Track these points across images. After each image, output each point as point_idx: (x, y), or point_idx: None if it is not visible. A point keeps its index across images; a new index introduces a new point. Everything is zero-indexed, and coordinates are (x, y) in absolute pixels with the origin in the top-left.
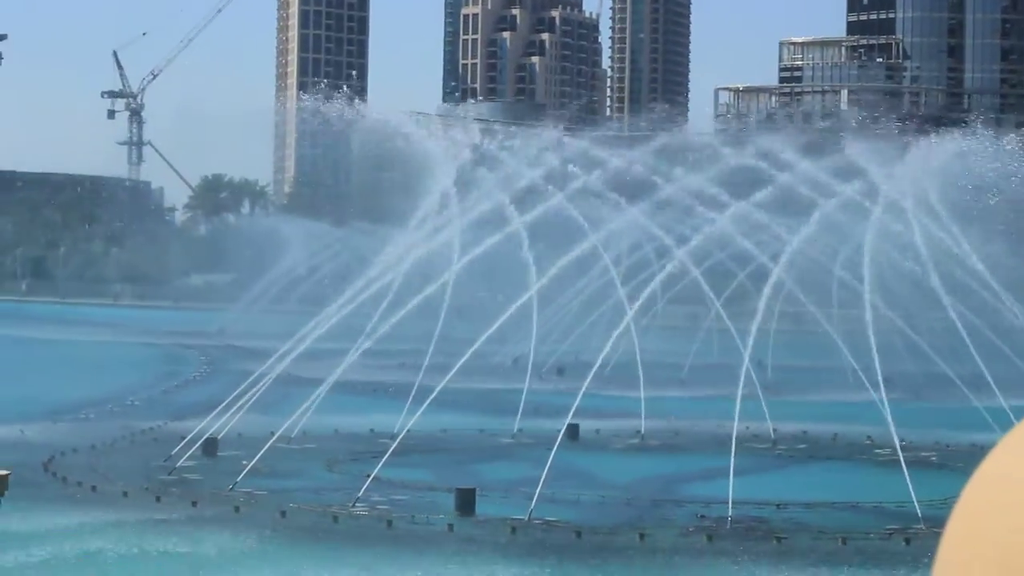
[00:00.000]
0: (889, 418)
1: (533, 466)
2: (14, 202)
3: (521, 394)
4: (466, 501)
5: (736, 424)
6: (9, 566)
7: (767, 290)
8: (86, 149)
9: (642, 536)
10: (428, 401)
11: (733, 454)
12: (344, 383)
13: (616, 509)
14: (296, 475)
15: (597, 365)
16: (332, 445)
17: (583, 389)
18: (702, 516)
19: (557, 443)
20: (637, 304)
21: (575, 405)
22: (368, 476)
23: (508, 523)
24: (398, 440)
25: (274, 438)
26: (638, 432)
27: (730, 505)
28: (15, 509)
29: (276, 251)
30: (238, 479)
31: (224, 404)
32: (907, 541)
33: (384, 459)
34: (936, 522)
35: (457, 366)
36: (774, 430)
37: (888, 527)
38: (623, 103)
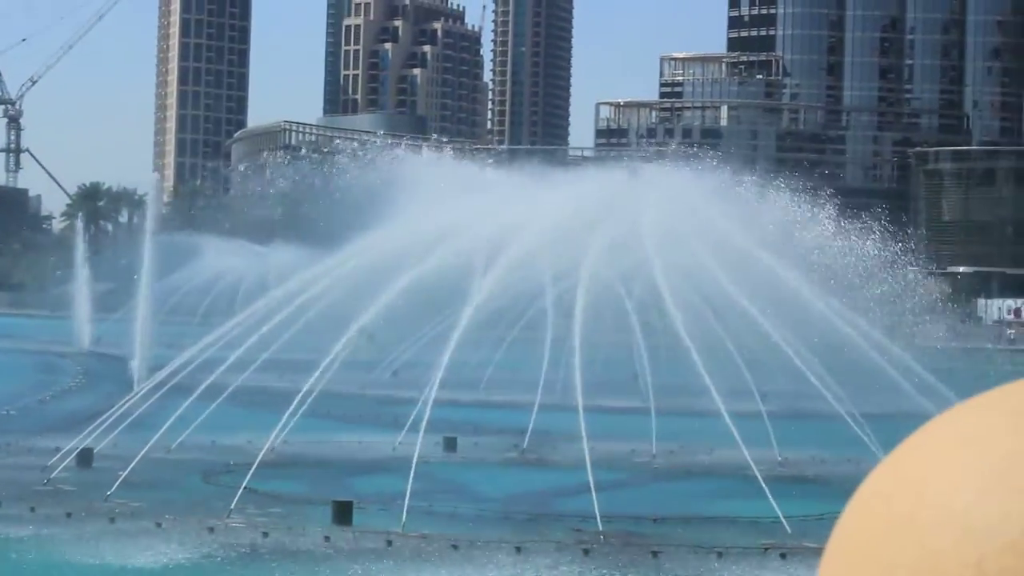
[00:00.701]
0: (769, 434)
1: (412, 479)
2: None
3: (402, 406)
4: (343, 513)
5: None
6: None
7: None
8: None
9: (519, 550)
10: (290, 412)
11: (589, 469)
12: (228, 394)
13: (493, 523)
14: (172, 487)
15: (438, 377)
16: (209, 457)
17: (425, 399)
18: (578, 530)
19: (415, 456)
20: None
21: (422, 416)
22: (242, 487)
23: (384, 535)
24: (263, 452)
25: (146, 447)
26: (516, 446)
27: (598, 521)
28: None
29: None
30: (111, 490)
31: (101, 416)
32: (783, 556)
33: (253, 471)
34: (809, 537)
35: (316, 374)
36: (655, 445)
37: (763, 542)
38: (504, 116)
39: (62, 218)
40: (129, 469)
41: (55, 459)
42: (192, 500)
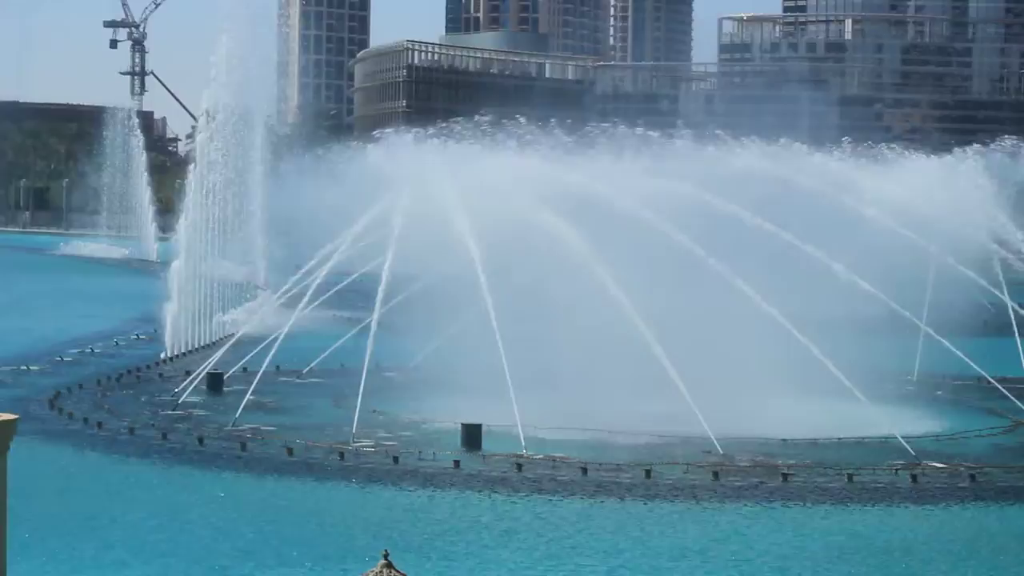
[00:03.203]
0: None
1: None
2: (17, 132)
3: None
4: (472, 436)
5: None
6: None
7: None
8: (89, 80)
9: (648, 473)
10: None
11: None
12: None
13: (621, 446)
14: (302, 411)
15: None
16: (338, 380)
17: None
18: (708, 452)
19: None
20: None
21: None
22: (372, 411)
23: (514, 459)
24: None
25: (261, 370)
26: None
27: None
28: (21, 444)
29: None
30: (237, 415)
31: (230, 339)
32: (913, 478)
33: (382, 393)
34: None
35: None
36: None
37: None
38: (626, 32)
39: (188, 140)
40: (257, 393)
41: (184, 383)
42: (322, 424)
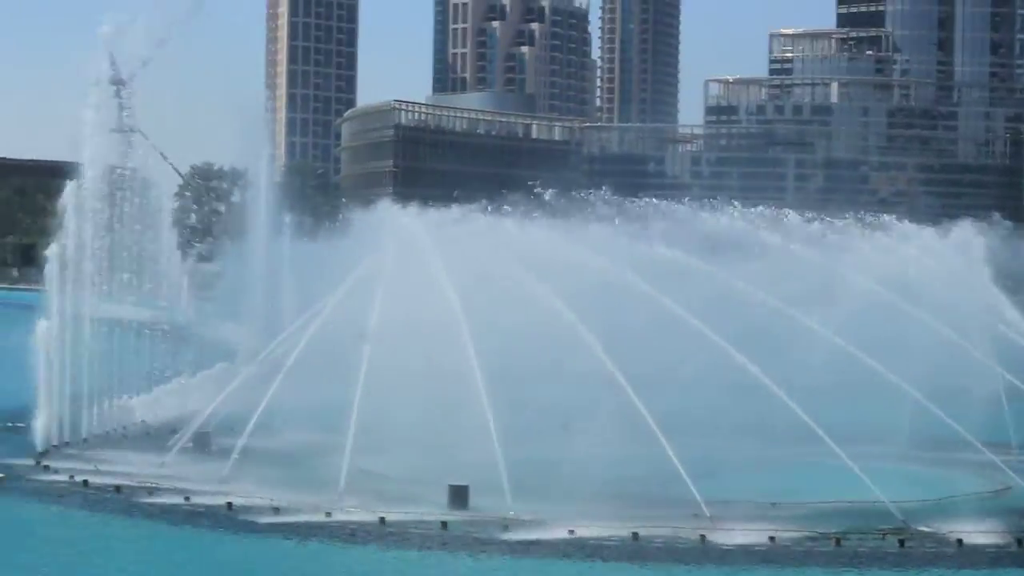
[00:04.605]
0: None
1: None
2: (4, 189)
3: None
4: (459, 496)
5: None
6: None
7: None
8: (76, 136)
9: (635, 536)
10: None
11: None
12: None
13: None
14: (289, 469)
15: None
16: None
17: None
18: (695, 515)
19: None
20: None
21: None
22: (356, 469)
23: (500, 520)
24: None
25: (248, 427)
26: None
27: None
28: (5, 503)
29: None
30: (225, 471)
31: (218, 398)
32: (901, 543)
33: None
34: None
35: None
36: None
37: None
38: (612, 93)
39: (174, 198)
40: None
41: (172, 441)
42: (311, 479)
